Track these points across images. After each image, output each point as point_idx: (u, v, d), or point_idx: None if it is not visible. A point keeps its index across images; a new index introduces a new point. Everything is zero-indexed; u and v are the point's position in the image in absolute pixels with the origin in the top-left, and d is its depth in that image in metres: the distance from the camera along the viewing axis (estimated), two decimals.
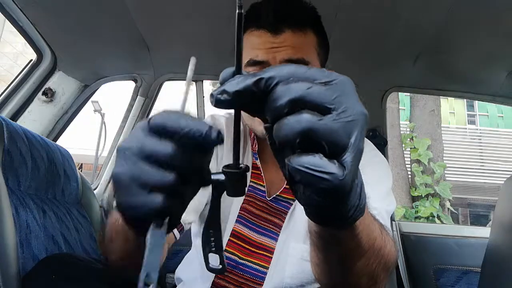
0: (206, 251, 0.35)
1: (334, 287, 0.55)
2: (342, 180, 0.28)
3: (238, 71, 0.31)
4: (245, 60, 0.78)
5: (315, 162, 0.28)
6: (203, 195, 0.81)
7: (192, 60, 0.36)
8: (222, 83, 0.31)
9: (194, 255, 0.93)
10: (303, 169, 0.28)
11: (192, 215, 0.81)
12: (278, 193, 0.85)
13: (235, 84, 0.30)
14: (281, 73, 0.29)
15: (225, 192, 0.88)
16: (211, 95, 0.30)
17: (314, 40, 0.79)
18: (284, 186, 0.85)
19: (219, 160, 0.89)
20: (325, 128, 0.28)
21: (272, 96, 0.29)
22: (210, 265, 0.35)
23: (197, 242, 0.92)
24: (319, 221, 0.36)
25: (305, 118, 0.28)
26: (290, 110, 0.29)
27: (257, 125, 0.81)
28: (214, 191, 0.35)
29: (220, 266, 0.35)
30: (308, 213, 0.35)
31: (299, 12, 0.78)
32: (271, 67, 0.30)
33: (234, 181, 0.33)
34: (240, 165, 0.34)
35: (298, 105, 0.28)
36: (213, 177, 0.34)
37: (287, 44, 0.75)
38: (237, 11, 0.32)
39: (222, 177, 0.33)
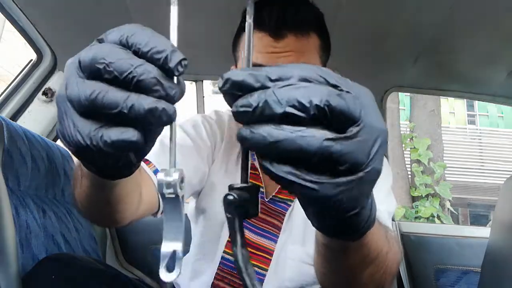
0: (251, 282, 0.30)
1: None
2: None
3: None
4: (244, 61, 0.76)
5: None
6: (195, 174, 0.79)
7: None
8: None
9: (191, 257, 0.92)
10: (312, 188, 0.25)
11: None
12: (274, 194, 0.84)
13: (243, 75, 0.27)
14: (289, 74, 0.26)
15: (219, 195, 0.85)
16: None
17: (317, 44, 0.76)
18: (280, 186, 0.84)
19: (214, 154, 0.87)
20: (346, 148, 0.25)
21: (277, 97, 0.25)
22: None
23: (195, 241, 0.91)
24: (329, 233, 0.34)
25: (322, 135, 0.25)
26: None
27: None
28: (228, 215, 0.30)
29: None
30: (317, 227, 0.33)
31: (303, 15, 0.74)
32: (279, 66, 0.27)
33: (246, 197, 0.29)
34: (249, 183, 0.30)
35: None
36: (228, 197, 0.29)
37: (289, 50, 0.72)
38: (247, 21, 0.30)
39: (232, 196, 0.29)
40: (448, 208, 5.77)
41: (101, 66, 0.26)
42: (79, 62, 0.28)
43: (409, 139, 6.06)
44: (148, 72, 0.26)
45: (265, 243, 0.83)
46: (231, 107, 0.27)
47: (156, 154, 0.73)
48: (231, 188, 0.30)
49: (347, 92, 0.26)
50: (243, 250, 0.29)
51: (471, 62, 1.29)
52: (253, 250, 0.83)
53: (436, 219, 5.31)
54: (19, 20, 1.18)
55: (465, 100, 8.75)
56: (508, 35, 1.11)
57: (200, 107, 1.63)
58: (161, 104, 0.26)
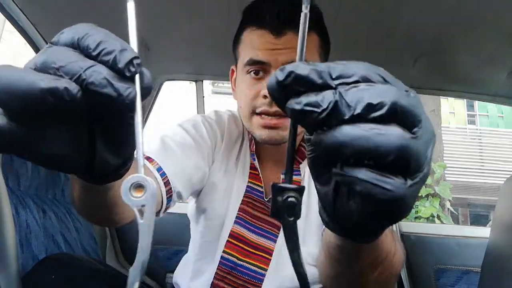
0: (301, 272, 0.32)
1: None
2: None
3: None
4: (245, 58, 0.77)
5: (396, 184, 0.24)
6: (196, 172, 0.79)
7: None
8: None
9: (191, 257, 0.92)
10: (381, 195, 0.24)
11: (181, 183, 0.74)
12: None
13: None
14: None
15: (222, 195, 0.86)
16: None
17: (317, 41, 0.78)
18: None
19: (214, 154, 0.87)
20: (417, 148, 0.24)
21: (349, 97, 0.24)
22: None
23: (196, 241, 0.91)
24: (353, 236, 0.32)
25: (400, 133, 0.23)
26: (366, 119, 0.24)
27: (256, 129, 0.78)
28: (289, 215, 0.28)
29: None
30: (339, 229, 0.31)
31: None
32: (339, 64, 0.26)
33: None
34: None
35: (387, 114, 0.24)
36: (289, 199, 0.28)
37: (289, 46, 0.73)
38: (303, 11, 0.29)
39: (295, 199, 0.27)
40: (448, 208, 5.76)
41: (51, 71, 0.26)
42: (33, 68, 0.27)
43: None
44: (97, 73, 0.25)
45: (264, 243, 0.83)
46: (281, 104, 0.26)
47: (158, 151, 0.73)
48: (281, 189, 0.28)
49: (407, 91, 0.25)
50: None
51: (471, 62, 1.29)
52: (252, 250, 0.83)
53: (436, 219, 5.31)
54: (19, 20, 1.18)
55: (465, 100, 8.75)
56: (508, 35, 1.11)
57: (200, 107, 1.63)
58: (62, 83, 0.25)
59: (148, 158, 0.70)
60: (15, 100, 0.25)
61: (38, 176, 0.98)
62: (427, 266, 1.48)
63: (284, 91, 0.25)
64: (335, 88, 0.25)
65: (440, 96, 5.17)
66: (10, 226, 0.72)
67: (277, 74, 0.25)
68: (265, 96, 0.74)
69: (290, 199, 0.27)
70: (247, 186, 0.86)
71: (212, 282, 0.84)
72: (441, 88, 1.51)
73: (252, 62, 0.75)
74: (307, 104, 0.24)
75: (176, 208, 1.51)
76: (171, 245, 1.49)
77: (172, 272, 1.49)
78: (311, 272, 0.79)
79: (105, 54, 0.26)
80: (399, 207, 0.25)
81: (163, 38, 1.27)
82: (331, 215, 0.30)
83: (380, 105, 0.23)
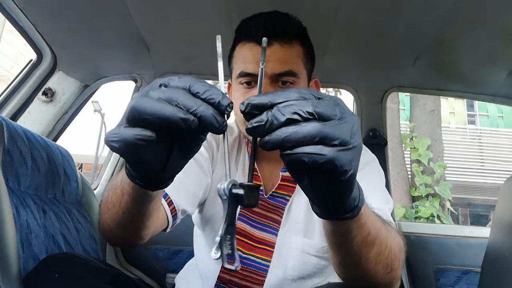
0: (223, 252, 0.42)
1: (357, 280, 0.59)
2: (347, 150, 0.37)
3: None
4: (237, 71, 0.84)
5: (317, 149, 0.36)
6: (199, 188, 0.86)
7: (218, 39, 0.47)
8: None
9: (201, 260, 0.97)
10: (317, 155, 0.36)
11: (184, 201, 0.80)
12: (274, 190, 0.90)
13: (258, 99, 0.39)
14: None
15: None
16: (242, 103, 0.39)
17: (300, 51, 0.85)
18: (279, 182, 0.90)
19: (213, 164, 0.94)
20: (332, 130, 0.36)
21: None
22: (226, 265, 0.42)
23: (204, 246, 0.96)
24: (333, 213, 0.45)
25: (315, 125, 0.36)
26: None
27: None
28: (232, 203, 0.41)
29: (235, 265, 0.42)
30: (322, 210, 0.44)
31: (286, 26, 0.83)
32: (280, 92, 0.38)
33: (250, 193, 0.40)
34: (254, 183, 0.42)
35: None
36: (233, 191, 0.40)
37: (276, 57, 0.80)
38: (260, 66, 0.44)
39: (241, 191, 0.40)
40: (448, 208, 5.77)
41: (173, 103, 0.37)
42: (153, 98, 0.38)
43: (409, 139, 6.05)
44: (207, 109, 0.37)
45: (266, 237, 0.88)
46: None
47: None
48: (235, 184, 0.41)
49: (325, 99, 0.38)
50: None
51: (471, 62, 1.29)
52: (256, 244, 0.89)
53: (436, 219, 5.31)
54: (19, 20, 1.18)
55: (465, 100, 8.75)
56: (508, 35, 1.11)
57: None
58: (191, 117, 0.36)
59: None
60: (159, 121, 0.36)
61: (38, 176, 0.98)
62: (427, 266, 1.48)
63: (248, 115, 0.39)
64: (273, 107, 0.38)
65: (440, 96, 5.18)
66: (10, 226, 0.72)
67: (240, 107, 0.39)
68: None
69: (235, 190, 0.40)
70: None
71: (219, 275, 0.89)
72: (441, 88, 1.51)
73: (243, 74, 0.83)
74: (255, 122, 0.37)
75: None
76: (171, 245, 1.49)
77: (172, 272, 1.50)
78: (312, 262, 0.86)
79: (211, 98, 0.38)
80: (335, 167, 0.36)
81: (163, 38, 1.28)
82: (315, 201, 0.44)
83: (302, 112, 0.36)
